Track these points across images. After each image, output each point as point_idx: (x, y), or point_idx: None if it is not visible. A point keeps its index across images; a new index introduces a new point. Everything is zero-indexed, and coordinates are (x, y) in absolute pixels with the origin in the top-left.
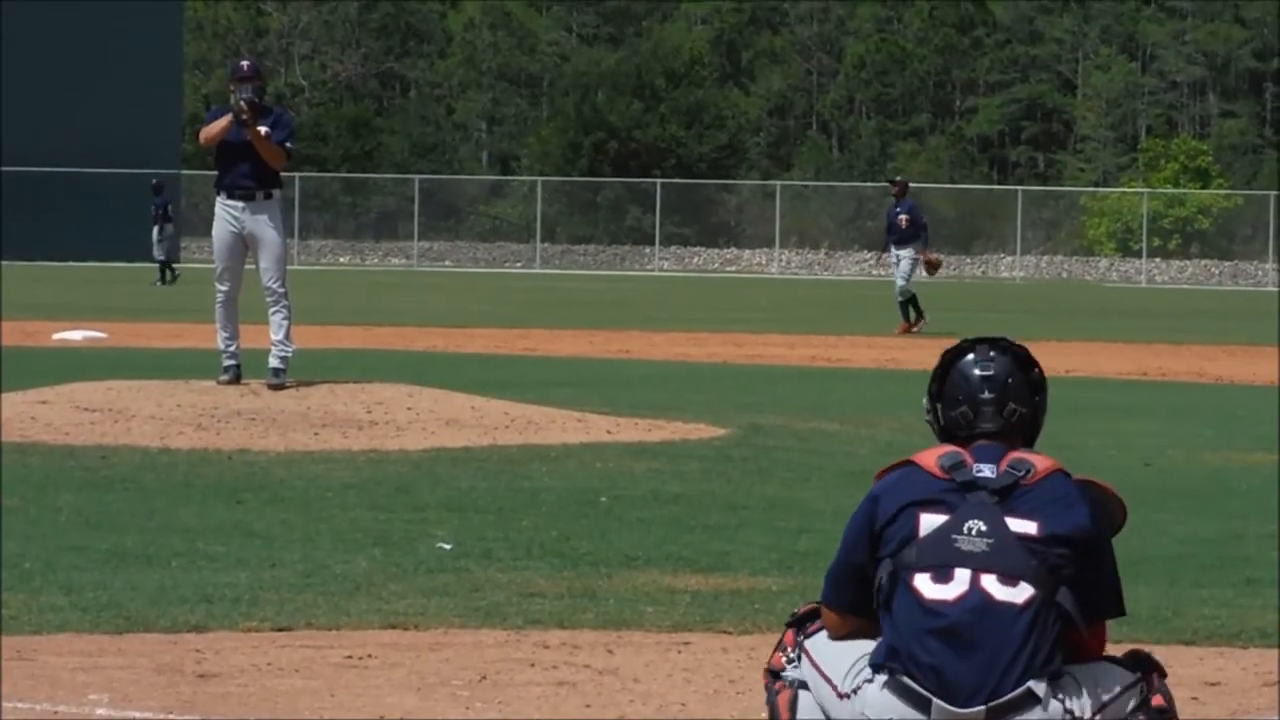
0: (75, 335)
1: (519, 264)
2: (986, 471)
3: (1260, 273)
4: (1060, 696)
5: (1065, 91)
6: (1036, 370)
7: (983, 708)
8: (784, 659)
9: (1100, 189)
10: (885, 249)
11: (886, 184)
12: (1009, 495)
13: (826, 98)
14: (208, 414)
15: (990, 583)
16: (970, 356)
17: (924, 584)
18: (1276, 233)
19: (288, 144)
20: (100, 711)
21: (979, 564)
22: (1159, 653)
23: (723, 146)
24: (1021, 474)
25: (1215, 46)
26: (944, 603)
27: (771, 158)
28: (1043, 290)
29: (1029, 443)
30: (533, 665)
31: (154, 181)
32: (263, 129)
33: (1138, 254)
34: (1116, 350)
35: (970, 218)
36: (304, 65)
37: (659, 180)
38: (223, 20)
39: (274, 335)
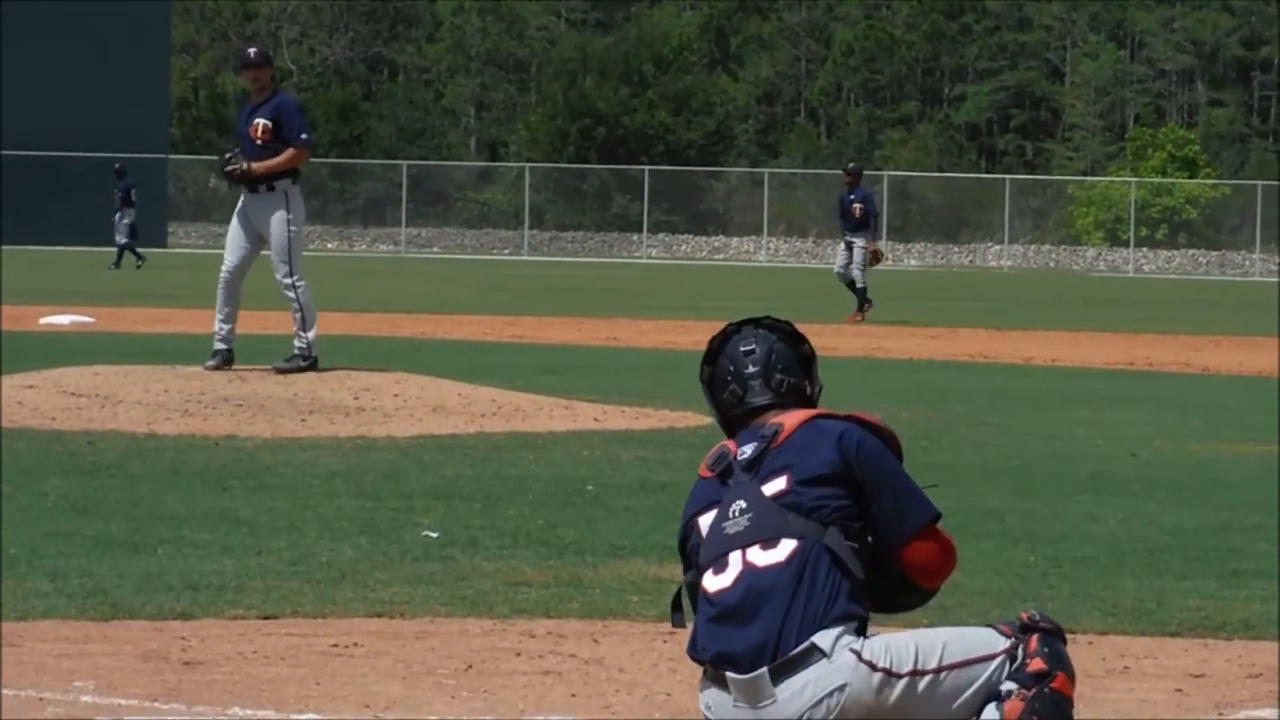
0: (63, 320)
1: (507, 250)
2: (747, 450)
3: (1247, 262)
4: (858, 648)
5: (1054, 79)
6: (805, 345)
7: (764, 670)
8: None
9: (1088, 178)
10: (843, 235)
11: (849, 170)
12: (760, 463)
13: (815, 84)
14: (195, 400)
15: (754, 553)
16: (734, 338)
17: (708, 580)
18: (1264, 222)
19: (303, 135)
20: (85, 698)
21: (744, 541)
22: (1142, 644)
23: (711, 133)
24: (770, 438)
25: (1203, 35)
26: (723, 591)
27: (760, 145)
28: (1030, 279)
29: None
30: (519, 654)
31: (116, 166)
32: (257, 166)
33: (1125, 243)
34: (1103, 340)
35: (958, 206)
36: (292, 49)
37: (647, 167)
38: (211, 4)
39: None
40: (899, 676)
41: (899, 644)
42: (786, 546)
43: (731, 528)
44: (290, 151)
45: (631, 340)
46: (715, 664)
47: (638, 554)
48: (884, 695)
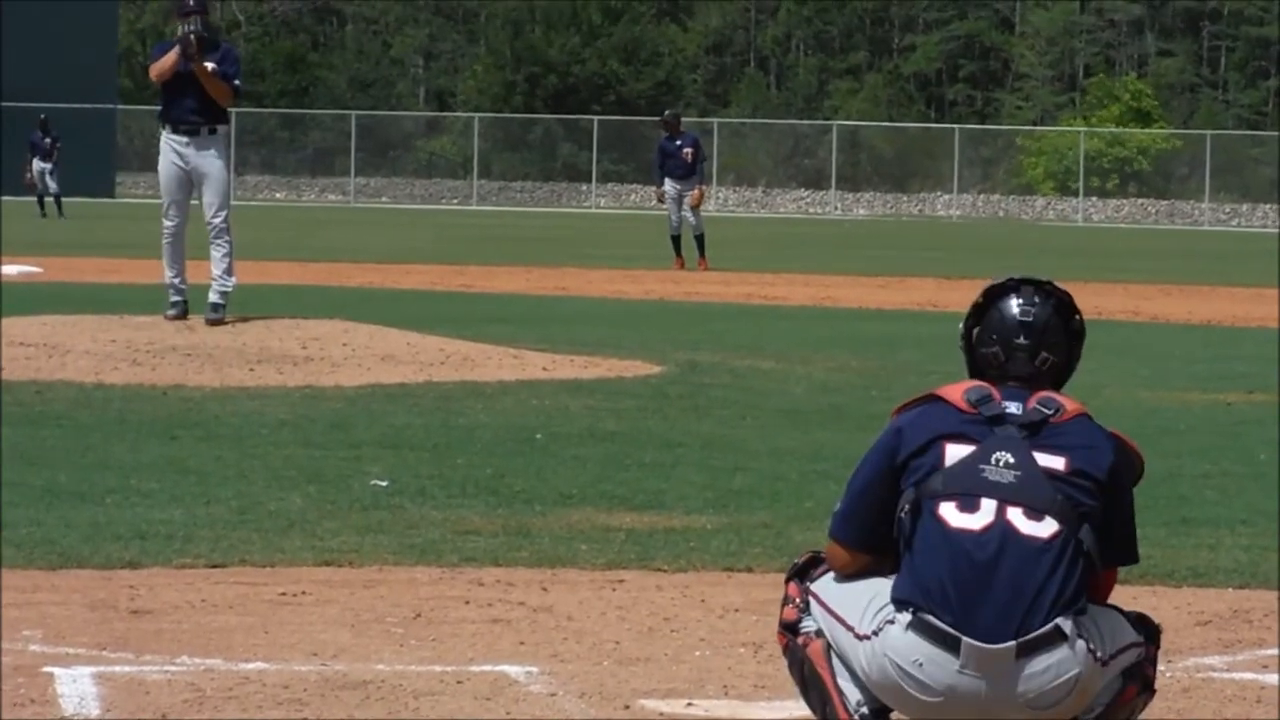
0: (10, 270)
1: (456, 200)
2: (1013, 408)
3: (1197, 212)
4: (1084, 636)
5: (1003, 29)
6: (1077, 318)
7: (1012, 643)
8: (795, 611)
9: (1038, 128)
10: (660, 184)
11: (668, 119)
12: (1038, 431)
13: (765, 34)
14: (143, 349)
15: (1016, 515)
16: (1012, 297)
17: (949, 512)
18: (1213, 172)
19: (236, 81)
20: (34, 648)
21: (1005, 495)
22: None
23: (660, 83)
24: (1051, 411)
25: None
26: (969, 531)
27: (709, 95)
28: (980, 229)
29: (1056, 389)
30: (467, 603)
31: (41, 117)
32: (209, 65)
33: (1075, 193)
34: None
35: (907, 156)
36: (240, 1)
37: (596, 117)
38: None
39: (215, 270)
40: (1105, 665)
41: (1096, 628)
42: (1050, 525)
43: (993, 475)
44: (226, 84)
45: (580, 289)
46: (946, 614)
47: (586, 502)
48: (1096, 684)
